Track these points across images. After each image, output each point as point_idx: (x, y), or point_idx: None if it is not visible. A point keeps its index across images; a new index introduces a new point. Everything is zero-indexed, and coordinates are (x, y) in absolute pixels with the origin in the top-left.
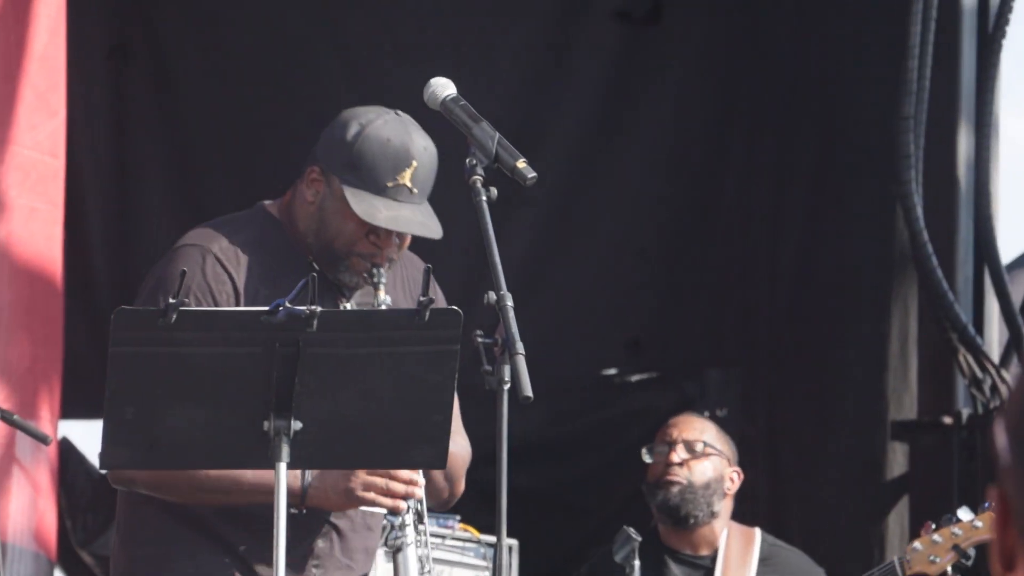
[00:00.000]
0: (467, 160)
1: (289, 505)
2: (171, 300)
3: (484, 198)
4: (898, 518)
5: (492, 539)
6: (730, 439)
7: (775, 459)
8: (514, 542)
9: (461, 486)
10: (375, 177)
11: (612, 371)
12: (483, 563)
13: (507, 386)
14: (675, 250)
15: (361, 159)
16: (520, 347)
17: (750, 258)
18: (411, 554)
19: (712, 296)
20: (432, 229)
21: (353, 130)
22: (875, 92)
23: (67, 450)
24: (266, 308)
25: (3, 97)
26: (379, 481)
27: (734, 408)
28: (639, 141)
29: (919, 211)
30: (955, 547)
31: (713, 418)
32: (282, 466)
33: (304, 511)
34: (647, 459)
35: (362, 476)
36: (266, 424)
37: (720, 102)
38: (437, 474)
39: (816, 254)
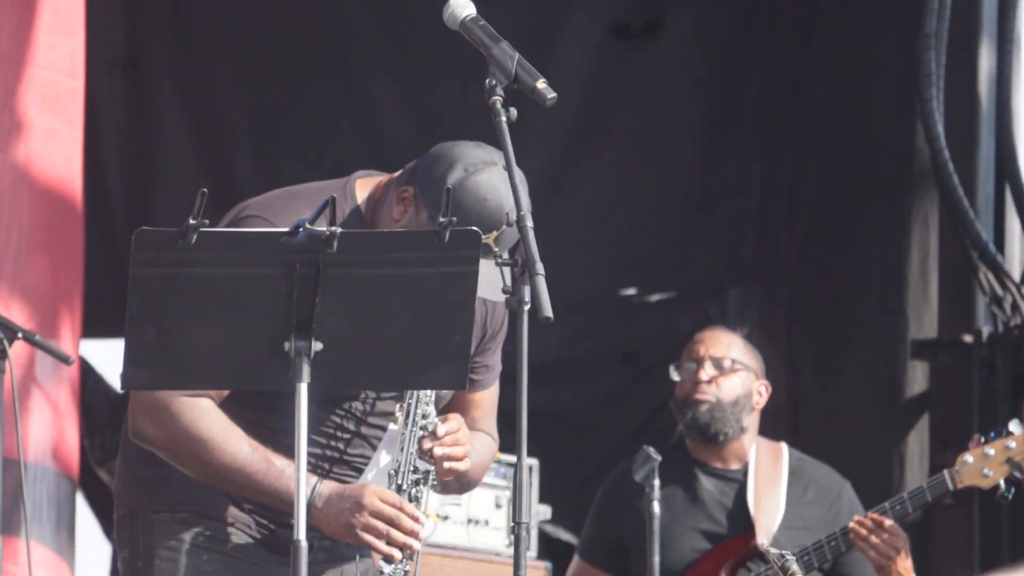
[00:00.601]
0: (487, 80)
1: (289, 515)
2: (191, 220)
3: (504, 119)
4: (918, 436)
5: (512, 459)
6: (757, 352)
7: (795, 378)
8: (534, 462)
9: (477, 485)
10: None
11: (631, 291)
12: (503, 483)
13: (527, 307)
14: (694, 169)
15: (453, 209)
16: (540, 268)
17: (769, 176)
18: None
19: (732, 215)
20: (498, 292)
21: (456, 175)
22: (896, 10)
23: (84, 370)
24: (286, 229)
25: (20, 17)
26: (380, 526)
27: (754, 327)
28: (658, 60)
29: (940, 129)
30: (1008, 460)
31: None
32: (303, 387)
33: None
34: (675, 376)
35: (366, 516)
36: (287, 345)
37: (738, 20)
38: (451, 482)
39: (836, 172)
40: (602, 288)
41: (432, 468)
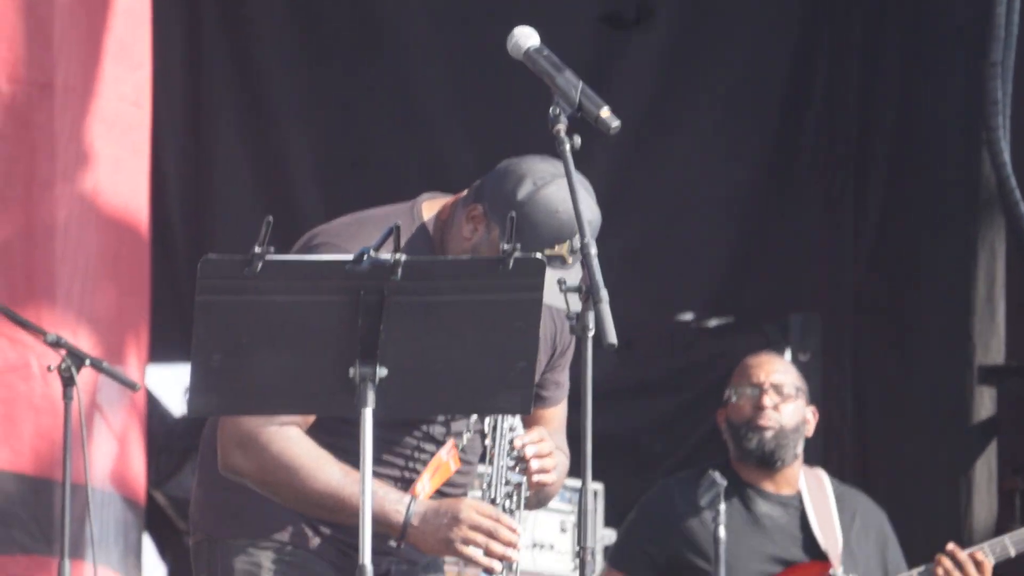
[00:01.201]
0: (551, 109)
1: (386, 536)
2: (256, 249)
3: (568, 147)
4: (986, 462)
5: (577, 483)
6: (803, 377)
7: (860, 404)
8: (599, 486)
9: (552, 499)
10: (533, 244)
11: (688, 316)
12: (568, 507)
13: (591, 333)
14: (757, 193)
15: (524, 222)
16: (604, 294)
17: (834, 202)
18: None
19: (795, 240)
20: (572, 302)
21: (525, 190)
22: (962, 37)
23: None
24: (351, 257)
25: (87, 48)
26: (480, 538)
27: (817, 353)
28: (719, 81)
29: (1006, 156)
30: None
31: (796, 362)
32: (367, 412)
33: (402, 545)
34: (732, 399)
35: (465, 530)
36: (351, 371)
37: (801, 45)
38: (530, 498)
39: (901, 199)
40: (660, 312)
41: (523, 480)
